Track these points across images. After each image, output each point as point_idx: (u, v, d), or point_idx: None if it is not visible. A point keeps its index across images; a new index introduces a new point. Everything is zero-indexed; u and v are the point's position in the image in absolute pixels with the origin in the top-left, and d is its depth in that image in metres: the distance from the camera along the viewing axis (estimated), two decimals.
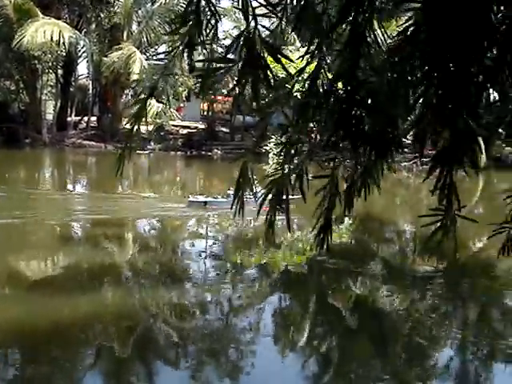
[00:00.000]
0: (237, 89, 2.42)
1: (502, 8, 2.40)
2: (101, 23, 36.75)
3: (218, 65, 2.38)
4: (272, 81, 2.31)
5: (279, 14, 2.55)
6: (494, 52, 2.39)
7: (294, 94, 2.78)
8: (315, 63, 2.61)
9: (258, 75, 2.28)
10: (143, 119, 2.87)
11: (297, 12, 2.55)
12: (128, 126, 2.93)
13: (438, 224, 2.39)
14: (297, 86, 2.75)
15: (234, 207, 2.67)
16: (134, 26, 37.24)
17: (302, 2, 2.53)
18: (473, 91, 2.40)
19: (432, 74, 2.33)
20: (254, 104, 2.37)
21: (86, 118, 39.40)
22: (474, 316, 11.03)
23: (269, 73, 2.28)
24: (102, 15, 36.91)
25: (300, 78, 2.70)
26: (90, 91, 40.64)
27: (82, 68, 40.98)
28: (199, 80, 2.61)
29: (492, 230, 3.41)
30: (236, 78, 2.44)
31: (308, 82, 2.62)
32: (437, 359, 8.65)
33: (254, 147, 3.14)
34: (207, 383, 7.51)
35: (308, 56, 2.61)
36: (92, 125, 39.26)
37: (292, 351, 8.78)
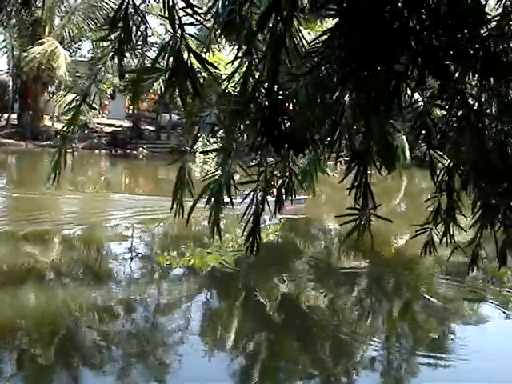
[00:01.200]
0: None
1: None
2: (22, 17, 35.35)
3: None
4: (199, 89, 2.35)
5: (208, 22, 2.60)
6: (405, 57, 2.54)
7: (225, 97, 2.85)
8: (244, 68, 2.67)
9: (185, 85, 2.32)
10: (76, 124, 2.90)
11: (224, 19, 2.59)
12: (62, 132, 2.96)
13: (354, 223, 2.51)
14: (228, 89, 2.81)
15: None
16: (57, 21, 36.03)
17: (228, 10, 2.57)
18: (385, 95, 2.54)
19: (347, 79, 2.44)
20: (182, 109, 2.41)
21: (5, 116, 37.82)
22: (398, 310, 11.44)
23: (196, 82, 2.33)
24: (22, 9, 35.51)
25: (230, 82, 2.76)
26: (10, 88, 39.02)
27: (2, 63, 39.29)
28: (129, 88, 2.60)
29: (414, 227, 3.64)
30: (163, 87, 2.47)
31: (237, 86, 2.69)
32: (362, 353, 8.92)
33: (190, 149, 3.19)
34: None
35: (237, 61, 2.68)
36: (12, 122, 37.70)
37: (219, 350, 8.82)
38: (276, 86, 2.42)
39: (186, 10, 2.38)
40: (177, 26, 2.32)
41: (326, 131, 2.67)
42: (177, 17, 2.34)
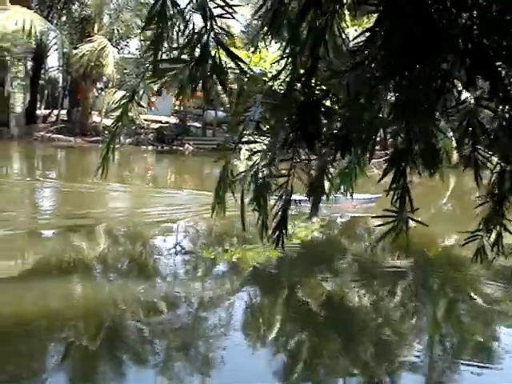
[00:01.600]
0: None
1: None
2: (71, 15, 36.14)
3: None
4: (226, 84, 2.33)
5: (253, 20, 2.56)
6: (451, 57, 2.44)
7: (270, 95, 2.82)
8: (288, 66, 2.64)
9: (208, 78, 2.29)
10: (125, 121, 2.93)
11: (269, 19, 2.55)
12: (111, 128, 3.02)
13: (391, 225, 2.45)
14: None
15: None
16: (106, 19, 36.68)
17: (274, 10, 2.53)
18: (430, 95, 2.46)
19: (388, 77, 2.37)
20: (205, 101, 2.39)
21: (55, 112, 38.77)
22: (442, 311, 11.21)
23: (222, 77, 2.30)
24: (72, 7, 36.34)
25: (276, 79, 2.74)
26: (60, 84, 39.97)
27: (53, 60, 40.26)
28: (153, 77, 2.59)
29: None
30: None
31: (283, 84, 2.66)
32: (405, 354, 8.81)
33: (235, 146, 3.19)
34: (178, 379, 7.52)
35: (283, 60, 2.65)
36: (62, 118, 38.63)
37: (262, 346, 8.86)
38: (314, 82, 2.38)
39: (217, 1, 2.35)
40: (207, 18, 2.28)
41: (367, 131, 2.61)
42: (207, 8, 2.30)
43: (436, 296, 11.93)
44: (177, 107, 43.29)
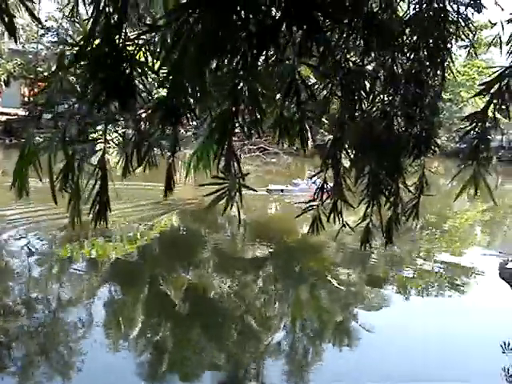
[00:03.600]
0: None
1: None
2: None
3: None
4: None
5: None
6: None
7: None
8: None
9: None
10: None
11: None
12: None
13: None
14: None
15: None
16: None
17: None
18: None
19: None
20: None
21: None
22: (304, 295, 11.45)
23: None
24: None
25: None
26: None
27: None
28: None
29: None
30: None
31: None
32: (269, 339, 8.88)
33: None
34: None
35: None
36: None
37: (126, 342, 8.47)
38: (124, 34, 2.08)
39: None
40: None
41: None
42: None
43: (295, 281, 12.17)
44: (26, 98, 40.52)
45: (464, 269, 13.52)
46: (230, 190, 2.22)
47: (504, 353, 7.80)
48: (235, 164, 2.25)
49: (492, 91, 2.66)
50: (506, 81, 2.66)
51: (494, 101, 2.63)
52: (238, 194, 2.24)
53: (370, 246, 3.96)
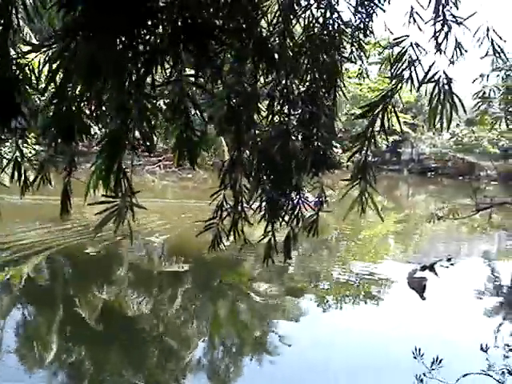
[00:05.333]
0: None
1: None
2: None
3: None
4: None
5: None
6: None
7: None
8: None
9: None
10: None
11: None
12: None
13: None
14: None
15: None
16: None
17: None
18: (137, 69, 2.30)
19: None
20: None
21: None
22: (223, 311, 11.45)
23: None
24: None
25: None
26: None
27: None
28: None
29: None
30: None
31: None
32: (189, 356, 8.82)
33: None
34: None
35: None
36: None
37: (40, 367, 8.14)
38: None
39: None
40: None
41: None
42: None
43: (212, 296, 12.17)
44: None
45: (377, 279, 13.99)
46: (120, 208, 2.24)
47: (415, 358, 8.17)
48: (125, 182, 2.27)
49: (376, 111, 2.83)
50: (388, 102, 2.85)
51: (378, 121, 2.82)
52: (129, 211, 2.27)
53: (272, 262, 4.05)
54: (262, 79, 3.24)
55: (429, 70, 2.55)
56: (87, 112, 2.43)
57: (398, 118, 3.12)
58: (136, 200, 2.31)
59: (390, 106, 2.97)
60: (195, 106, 2.44)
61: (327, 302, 12.07)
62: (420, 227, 20.48)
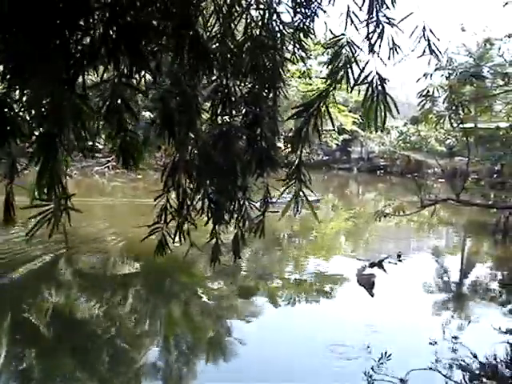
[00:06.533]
0: None
1: None
2: None
3: None
4: None
5: None
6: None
7: None
8: None
9: None
10: None
11: None
12: None
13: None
14: None
15: None
16: None
17: None
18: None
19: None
20: None
21: None
22: (176, 312, 11.35)
23: None
24: None
25: None
26: None
27: None
28: None
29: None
30: None
31: None
32: (143, 360, 8.67)
33: None
34: None
35: None
36: None
37: None
38: None
39: None
40: None
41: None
42: None
43: (167, 298, 12.06)
44: None
45: (327, 276, 14.16)
46: (55, 211, 2.18)
47: (381, 361, 8.34)
48: (59, 186, 2.21)
49: (311, 111, 2.85)
50: (322, 101, 2.87)
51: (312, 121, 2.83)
52: (65, 215, 2.21)
53: (219, 263, 4.04)
54: (204, 81, 3.22)
55: (362, 71, 2.58)
56: (20, 114, 2.35)
57: (331, 118, 3.15)
58: (71, 203, 2.26)
59: (324, 106, 2.99)
60: (127, 108, 2.40)
61: (278, 300, 12.13)
62: (370, 225, 20.82)
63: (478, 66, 10.56)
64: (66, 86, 2.10)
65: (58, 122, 2.12)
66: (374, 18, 2.71)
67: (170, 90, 2.81)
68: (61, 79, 2.07)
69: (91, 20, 2.13)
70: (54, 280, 12.58)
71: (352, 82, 2.69)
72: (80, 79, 2.20)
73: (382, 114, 2.49)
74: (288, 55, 3.81)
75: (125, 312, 10.91)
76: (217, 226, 3.83)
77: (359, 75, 2.58)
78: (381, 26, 2.69)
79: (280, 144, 3.33)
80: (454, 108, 9.29)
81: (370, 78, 2.54)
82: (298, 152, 3.00)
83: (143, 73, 2.39)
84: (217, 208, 3.45)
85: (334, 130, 48.46)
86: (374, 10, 2.69)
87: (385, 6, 2.70)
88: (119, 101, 2.34)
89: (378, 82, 2.49)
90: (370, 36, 2.68)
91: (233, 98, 3.45)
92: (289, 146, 3.00)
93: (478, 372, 8.40)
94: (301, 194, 2.89)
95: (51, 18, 1.96)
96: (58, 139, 2.15)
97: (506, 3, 11.69)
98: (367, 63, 2.57)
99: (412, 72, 9.73)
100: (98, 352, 9.00)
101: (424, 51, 3.01)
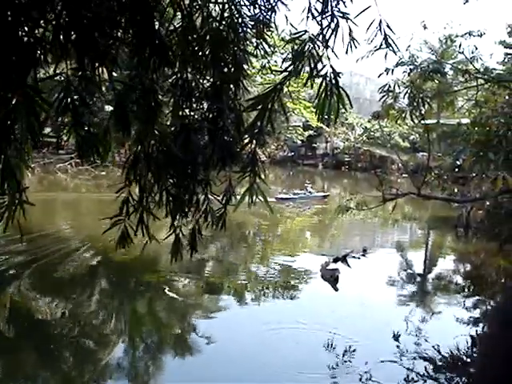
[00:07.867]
0: None
1: None
2: None
3: None
4: None
5: None
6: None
7: None
8: None
9: None
10: None
11: None
12: None
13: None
14: None
15: None
16: None
17: None
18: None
19: None
20: None
21: None
22: (141, 309, 11.29)
23: None
24: None
25: None
26: None
27: None
28: None
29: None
30: None
31: None
32: (108, 357, 8.59)
33: None
34: None
35: None
36: None
37: None
38: None
39: None
40: None
41: None
42: None
43: (131, 296, 11.98)
44: None
45: (292, 271, 14.27)
46: (9, 205, 2.16)
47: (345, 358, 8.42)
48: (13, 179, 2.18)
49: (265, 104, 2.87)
50: (276, 94, 2.88)
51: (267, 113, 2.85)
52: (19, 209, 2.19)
53: (180, 257, 4.04)
54: (163, 74, 3.22)
55: (316, 64, 2.61)
56: None
57: (284, 111, 3.18)
58: (26, 197, 2.23)
59: (277, 100, 3.01)
60: (82, 102, 2.38)
61: (244, 296, 12.17)
62: (335, 220, 21.03)
63: (439, 63, 10.71)
64: (18, 78, 2.07)
65: (7, 114, 2.09)
66: (329, 12, 2.74)
67: (126, 83, 2.80)
68: (12, 70, 2.04)
69: (44, 11, 2.10)
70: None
71: (306, 75, 2.72)
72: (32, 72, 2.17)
73: (336, 106, 2.53)
74: (250, 49, 3.83)
75: (89, 309, 10.83)
76: (176, 220, 3.82)
77: (312, 69, 2.61)
78: (335, 20, 2.73)
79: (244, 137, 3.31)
80: (415, 104, 9.41)
81: (323, 72, 2.57)
82: (253, 145, 3.02)
83: (98, 66, 2.37)
84: (175, 201, 3.45)
85: (298, 126, 48.65)
86: (329, 3, 2.73)
87: (340, 1, 2.73)
88: (73, 94, 2.32)
89: (332, 76, 2.53)
90: (325, 30, 2.71)
91: (194, 92, 3.45)
92: (244, 138, 3.02)
93: (440, 363, 8.58)
94: (255, 186, 2.91)
95: (1, 8, 1.94)
96: (11, 131, 2.12)
97: (467, 1, 11.89)
98: (321, 57, 2.60)
99: (377, 68, 9.83)
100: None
101: (380, 45, 3.06)
